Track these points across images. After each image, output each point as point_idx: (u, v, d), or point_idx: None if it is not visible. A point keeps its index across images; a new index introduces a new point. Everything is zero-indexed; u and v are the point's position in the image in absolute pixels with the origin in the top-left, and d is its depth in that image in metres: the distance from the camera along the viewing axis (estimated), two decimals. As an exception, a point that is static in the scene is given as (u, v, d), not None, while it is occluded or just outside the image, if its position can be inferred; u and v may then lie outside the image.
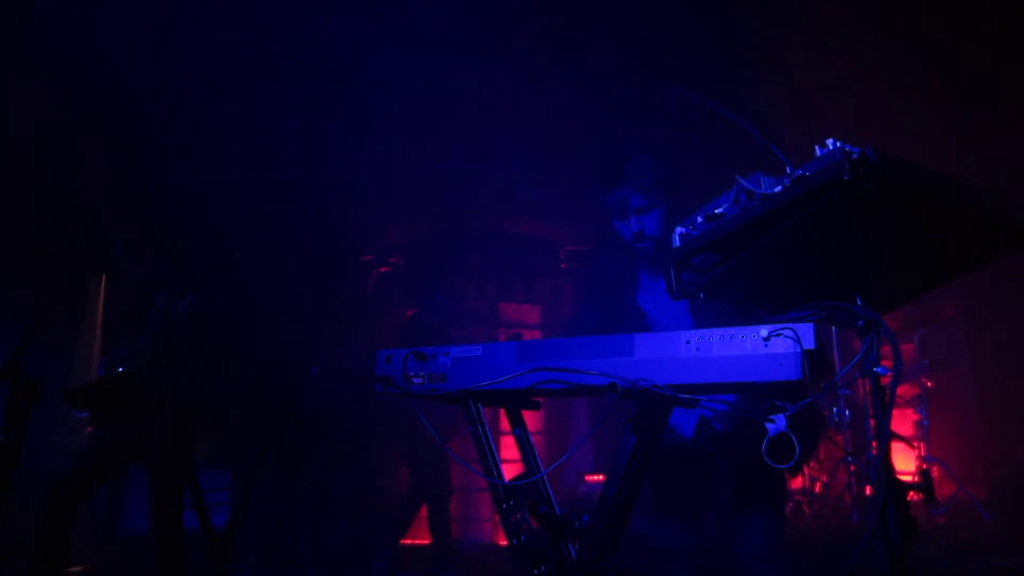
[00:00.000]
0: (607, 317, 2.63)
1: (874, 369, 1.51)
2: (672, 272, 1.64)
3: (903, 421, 6.13)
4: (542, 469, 1.94)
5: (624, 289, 2.58)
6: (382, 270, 7.52)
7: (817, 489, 5.64)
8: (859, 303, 1.56)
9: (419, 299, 5.44)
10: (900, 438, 5.85)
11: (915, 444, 5.80)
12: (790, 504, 5.54)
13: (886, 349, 1.55)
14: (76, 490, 3.23)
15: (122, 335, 3.67)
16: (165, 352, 3.50)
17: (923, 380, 5.90)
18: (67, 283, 4.63)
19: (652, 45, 4.42)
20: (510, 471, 1.96)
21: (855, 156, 1.32)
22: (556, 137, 5.53)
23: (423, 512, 5.11)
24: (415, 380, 1.90)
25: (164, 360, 3.47)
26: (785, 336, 1.51)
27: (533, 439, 2.07)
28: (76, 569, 4.44)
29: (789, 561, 2.47)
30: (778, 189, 1.45)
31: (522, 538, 1.86)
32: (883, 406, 1.52)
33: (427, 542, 5.36)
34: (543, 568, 1.85)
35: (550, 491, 1.92)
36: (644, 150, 2.55)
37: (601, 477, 5.79)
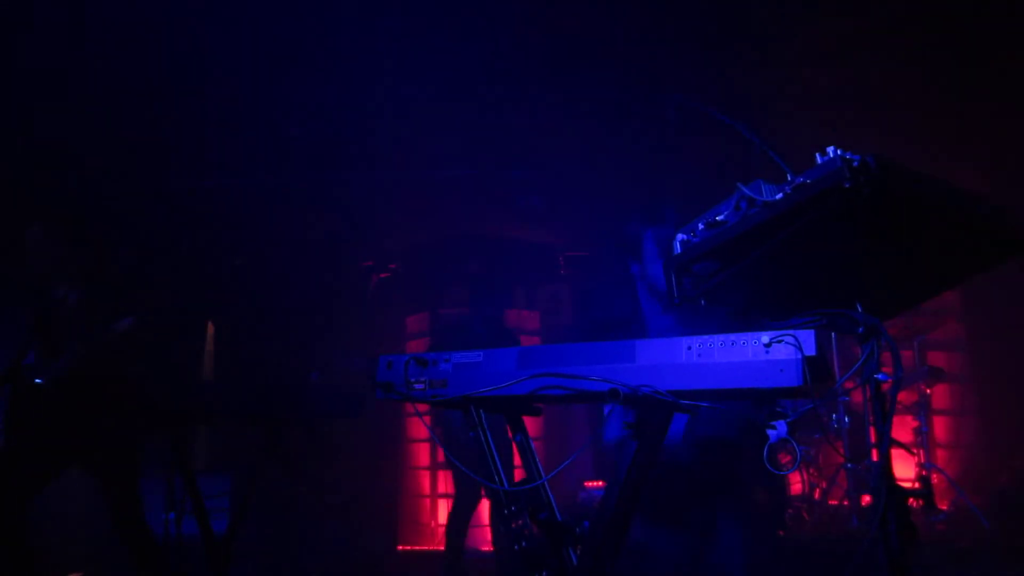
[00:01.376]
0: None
1: (875, 376, 1.52)
2: (673, 278, 1.65)
3: (902, 428, 6.11)
4: (543, 475, 1.94)
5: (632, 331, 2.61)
6: (382, 276, 7.52)
7: (817, 495, 5.63)
8: (860, 310, 1.56)
9: (475, 302, 5.33)
10: (900, 445, 5.84)
11: (915, 451, 5.79)
12: (789, 511, 5.53)
13: (886, 356, 1.56)
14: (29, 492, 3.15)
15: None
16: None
17: (922, 387, 5.90)
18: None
19: (653, 53, 4.43)
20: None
21: (856, 163, 1.33)
22: (556, 143, 5.55)
23: (419, 517, 5.12)
24: (416, 386, 1.91)
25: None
26: (786, 343, 1.52)
27: (533, 445, 2.07)
28: (74, 575, 4.43)
29: (782, 566, 2.48)
30: (779, 196, 1.46)
31: (523, 543, 1.86)
32: (884, 413, 1.53)
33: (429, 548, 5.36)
34: (544, 573, 1.85)
35: (551, 497, 1.92)
36: (678, 192, 2.57)
37: (601, 483, 5.78)
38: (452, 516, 5.17)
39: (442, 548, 5.29)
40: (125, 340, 3.33)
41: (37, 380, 3.21)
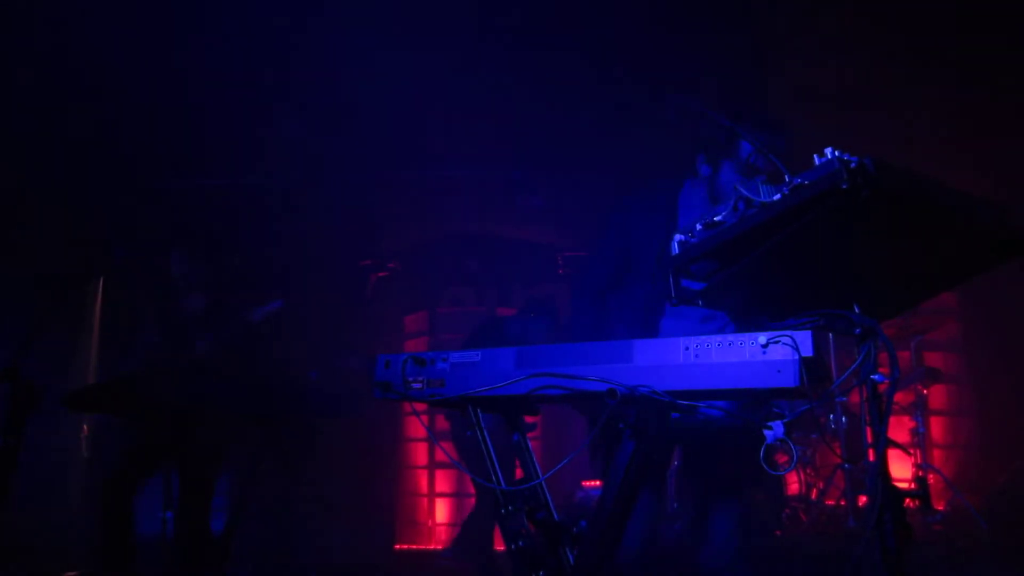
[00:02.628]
0: (615, 278, 2.56)
1: (871, 376, 1.52)
2: (671, 279, 1.65)
3: (899, 428, 6.13)
4: (540, 474, 1.94)
5: (662, 222, 2.46)
6: (380, 275, 7.52)
7: (813, 496, 5.63)
8: (857, 311, 1.57)
9: (524, 310, 5.32)
10: (897, 445, 5.86)
11: (911, 451, 5.80)
12: (786, 511, 5.54)
13: (883, 356, 1.56)
14: (130, 481, 3.41)
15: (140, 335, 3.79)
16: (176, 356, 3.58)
17: (919, 387, 5.91)
18: (65, 286, 4.64)
19: (652, 52, 4.43)
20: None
21: (853, 165, 1.33)
22: (556, 143, 5.55)
23: (417, 517, 5.13)
24: (414, 385, 1.91)
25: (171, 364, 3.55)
26: (783, 343, 1.52)
27: (531, 444, 2.07)
28: (71, 575, 4.42)
29: (779, 566, 2.49)
30: (777, 197, 1.46)
31: (520, 543, 1.86)
32: (880, 413, 1.53)
33: (427, 547, 5.36)
34: (541, 573, 1.85)
35: (548, 496, 1.92)
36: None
37: (598, 483, 5.78)
38: (471, 519, 5.17)
39: (439, 547, 5.30)
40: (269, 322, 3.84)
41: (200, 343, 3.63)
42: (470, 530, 5.22)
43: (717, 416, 2.43)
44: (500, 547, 5.27)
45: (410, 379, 1.91)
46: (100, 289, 5.87)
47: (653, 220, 2.49)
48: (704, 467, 2.53)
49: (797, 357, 1.50)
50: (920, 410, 5.86)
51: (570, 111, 5.04)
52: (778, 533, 5.13)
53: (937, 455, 6.80)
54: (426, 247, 7.57)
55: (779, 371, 1.52)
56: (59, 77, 4.42)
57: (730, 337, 1.58)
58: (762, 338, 1.54)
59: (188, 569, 3.37)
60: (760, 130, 2.27)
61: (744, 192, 1.52)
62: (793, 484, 5.78)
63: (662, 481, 2.62)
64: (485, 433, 1.95)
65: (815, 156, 1.40)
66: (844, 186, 1.32)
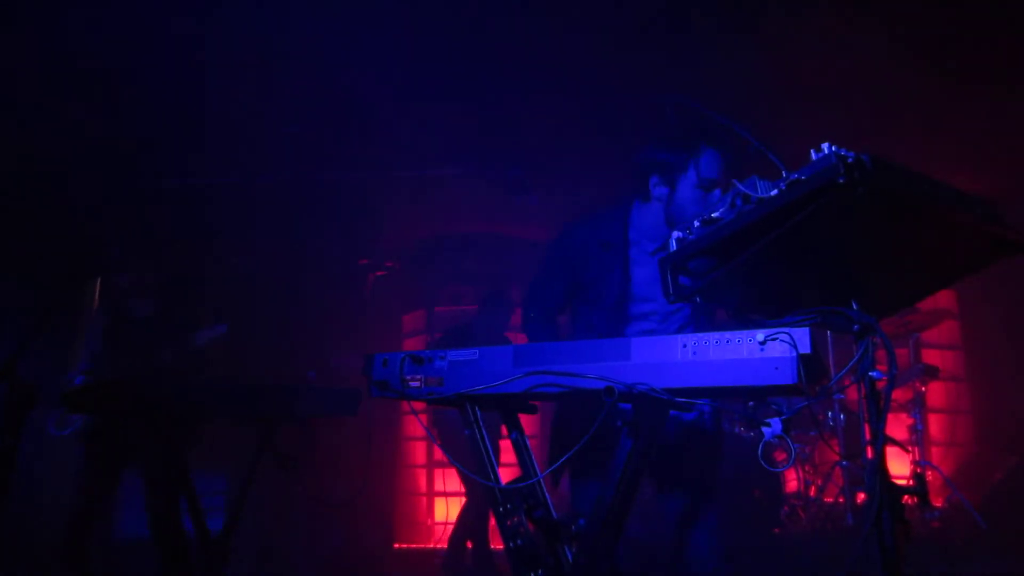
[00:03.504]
0: (565, 300, 2.59)
1: (869, 373, 1.52)
2: (669, 276, 1.65)
3: (897, 425, 6.14)
4: (539, 473, 1.94)
5: (614, 272, 2.49)
6: (378, 274, 7.51)
7: (812, 493, 5.64)
8: (855, 307, 1.57)
9: (483, 307, 5.50)
10: (895, 442, 5.86)
11: (909, 448, 5.81)
12: (785, 508, 5.54)
13: (881, 353, 1.56)
14: (91, 518, 3.65)
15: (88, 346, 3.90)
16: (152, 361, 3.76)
17: (917, 385, 5.92)
18: (63, 287, 4.64)
19: (648, 50, 4.43)
20: (506, 475, 1.96)
21: (850, 160, 1.33)
22: (552, 141, 5.54)
23: (415, 516, 5.13)
24: (412, 384, 1.91)
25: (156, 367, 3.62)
26: (781, 340, 1.52)
27: (529, 443, 2.07)
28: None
29: (778, 564, 2.46)
30: (774, 193, 1.46)
31: (519, 541, 1.86)
32: (878, 410, 1.53)
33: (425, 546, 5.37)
34: (539, 571, 1.85)
35: (547, 495, 1.92)
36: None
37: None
38: (461, 515, 5.18)
39: (438, 546, 5.31)
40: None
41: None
42: (459, 539, 5.22)
43: (687, 417, 2.43)
44: (494, 545, 5.29)
45: (408, 378, 1.91)
46: (97, 289, 5.85)
47: (601, 247, 2.51)
48: (671, 466, 2.45)
49: (795, 354, 1.50)
50: (918, 407, 5.87)
51: (567, 110, 5.04)
52: (776, 531, 5.14)
53: (935, 452, 6.82)
54: (424, 246, 7.57)
55: (777, 368, 1.52)
56: (53, 74, 4.41)
57: (728, 334, 1.58)
58: (760, 335, 1.54)
59: (177, 571, 3.53)
60: (715, 143, 2.34)
61: (741, 188, 1.52)
62: (792, 481, 5.79)
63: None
64: (484, 431, 1.95)
65: (812, 151, 1.40)
66: (841, 181, 1.32)
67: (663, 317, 2.53)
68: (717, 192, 2.36)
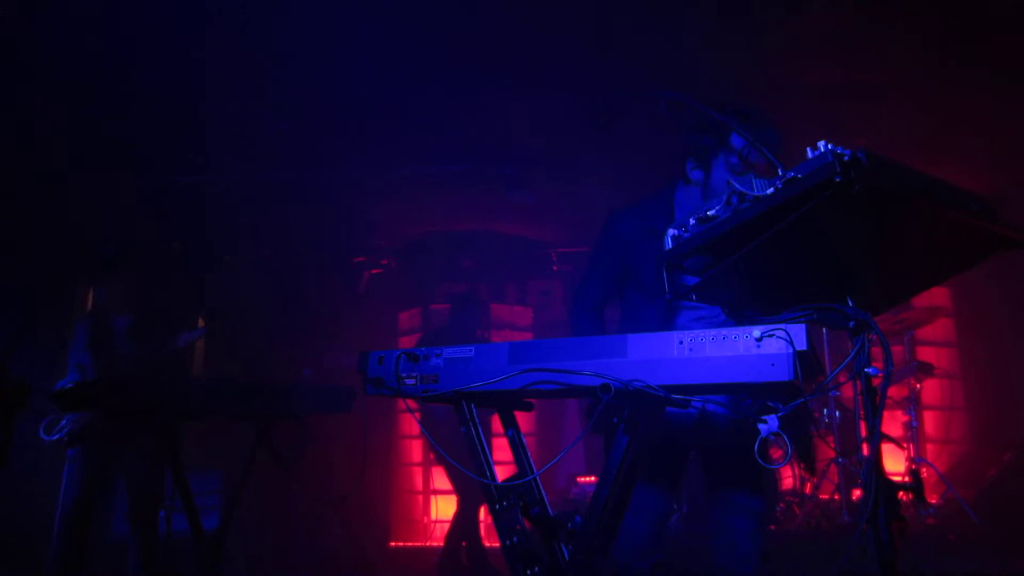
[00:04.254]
0: (614, 290, 2.58)
1: (865, 370, 1.52)
2: (665, 274, 1.65)
3: (892, 422, 6.16)
4: (535, 470, 1.94)
5: (660, 232, 2.49)
6: (374, 272, 7.51)
7: (807, 490, 5.66)
8: (850, 304, 1.57)
9: (454, 309, 5.66)
10: (890, 439, 5.87)
11: (904, 445, 5.83)
12: (780, 505, 5.56)
13: (875, 350, 1.56)
14: (85, 522, 3.77)
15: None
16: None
17: (912, 382, 5.94)
18: (55, 286, 4.63)
19: (646, 49, 4.43)
20: (503, 472, 1.96)
21: (847, 158, 1.33)
22: (548, 140, 5.54)
23: (412, 514, 5.13)
24: (407, 381, 1.90)
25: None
26: (777, 337, 1.52)
27: (525, 440, 2.07)
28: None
29: (773, 560, 2.45)
30: (770, 191, 1.46)
31: (515, 539, 1.86)
32: (874, 407, 1.53)
33: (422, 544, 5.36)
34: (536, 569, 1.85)
35: (543, 492, 1.92)
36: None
37: (593, 479, 5.79)
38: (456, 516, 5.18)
39: (435, 544, 5.32)
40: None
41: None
42: (455, 538, 5.23)
43: (722, 412, 2.43)
44: (488, 543, 5.29)
45: (403, 375, 1.91)
46: (90, 296, 5.84)
47: (652, 242, 2.45)
48: (719, 464, 2.48)
49: (791, 351, 1.50)
50: (913, 404, 5.89)
51: (563, 107, 5.03)
52: (772, 527, 5.15)
53: (930, 449, 6.84)
54: (420, 244, 7.56)
55: (773, 365, 1.51)
56: (49, 70, 4.39)
57: (724, 331, 1.57)
58: (756, 332, 1.54)
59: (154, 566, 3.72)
60: (748, 123, 2.27)
61: (737, 186, 1.52)
62: (787, 478, 5.80)
63: (677, 480, 2.57)
64: (479, 429, 1.94)
65: (808, 149, 1.40)
66: (838, 179, 1.31)
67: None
68: (751, 176, 2.34)
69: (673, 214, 2.52)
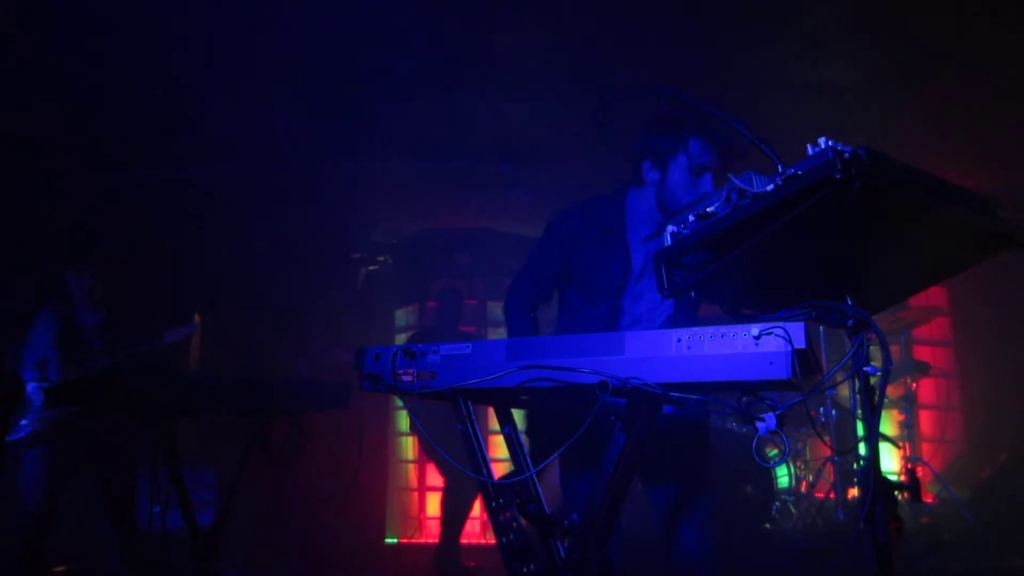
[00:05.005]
0: (551, 289, 2.60)
1: (864, 369, 1.52)
2: (663, 270, 1.64)
3: (889, 421, 6.17)
4: (531, 468, 1.93)
5: (615, 234, 2.49)
6: (371, 268, 7.49)
7: (803, 488, 5.66)
8: (849, 303, 1.56)
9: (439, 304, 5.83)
10: (886, 438, 5.89)
11: (900, 444, 5.84)
12: (776, 504, 5.56)
13: (874, 349, 1.56)
14: (50, 521, 3.78)
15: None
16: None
17: (908, 381, 5.94)
18: (50, 283, 4.60)
19: (643, 46, 4.42)
20: (498, 469, 1.95)
21: (847, 155, 1.32)
22: (547, 135, 5.53)
23: (407, 511, 5.13)
24: (404, 378, 1.89)
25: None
26: (776, 335, 1.51)
27: (521, 438, 2.06)
28: (60, 569, 4.39)
29: (769, 559, 2.42)
30: (770, 188, 1.45)
31: (511, 536, 1.85)
32: (872, 406, 1.53)
33: (418, 541, 5.36)
34: (532, 567, 1.84)
35: (539, 490, 1.91)
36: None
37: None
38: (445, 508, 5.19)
39: (430, 541, 5.32)
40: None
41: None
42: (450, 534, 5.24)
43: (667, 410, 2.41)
44: (485, 540, 5.28)
45: (400, 372, 1.90)
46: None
47: (594, 235, 2.50)
48: (662, 459, 2.37)
49: (790, 349, 1.50)
50: (909, 403, 5.90)
51: (560, 104, 5.02)
52: (767, 526, 5.15)
53: (926, 448, 6.85)
54: (417, 240, 7.54)
55: (771, 363, 1.51)
56: (45, 65, 4.37)
57: (723, 329, 1.57)
58: (755, 330, 1.53)
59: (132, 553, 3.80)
60: (703, 126, 2.34)
61: (737, 182, 1.51)
62: (782, 477, 5.80)
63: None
64: (476, 426, 1.94)
65: (808, 146, 1.39)
66: (838, 176, 1.31)
67: (652, 306, 2.52)
68: (708, 178, 2.36)
69: (624, 216, 2.53)
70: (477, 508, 5.34)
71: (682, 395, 1.62)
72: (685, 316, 2.50)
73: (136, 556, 3.85)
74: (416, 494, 7.33)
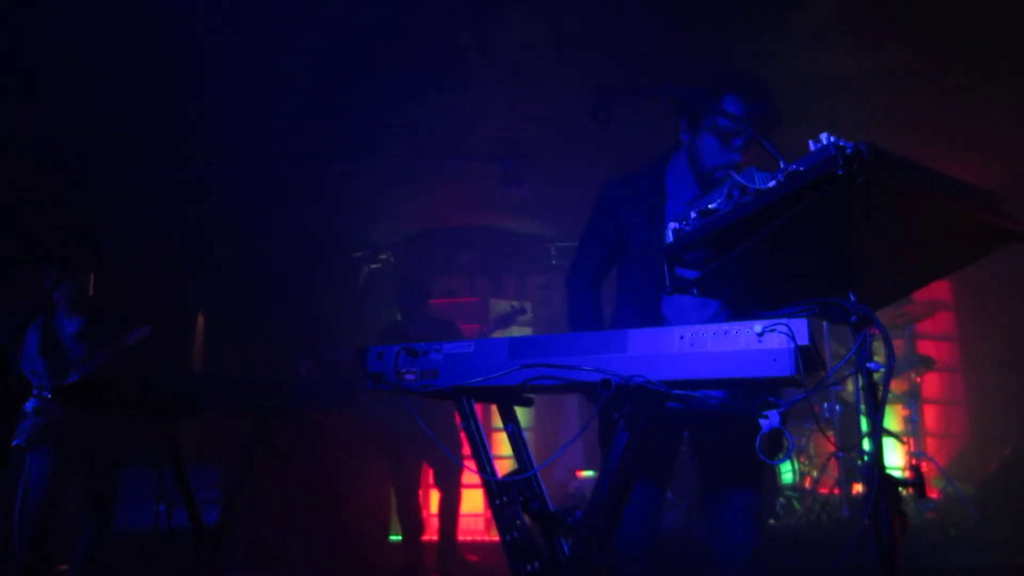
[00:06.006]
0: (607, 263, 2.57)
1: (867, 365, 1.51)
2: (666, 268, 1.64)
3: (893, 416, 6.16)
4: (535, 465, 1.93)
5: (654, 227, 2.43)
6: (372, 266, 7.50)
7: (807, 484, 5.66)
8: (852, 299, 1.56)
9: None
10: (891, 434, 5.88)
11: (905, 440, 5.83)
12: (780, 500, 5.56)
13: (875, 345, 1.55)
14: (53, 516, 3.89)
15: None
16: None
17: (913, 376, 5.93)
18: (57, 279, 4.61)
19: (644, 40, 4.41)
20: (502, 467, 1.95)
21: (849, 151, 1.32)
22: (547, 133, 5.52)
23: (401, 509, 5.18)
24: (407, 376, 1.89)
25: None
26: (779, 332, 1.51)
27: (524, 435, 2.06)
28: (63, 568, 4.41)
29: (773, 555, 2.42)
30: (772, 184, 1.45)
31: (515, 534, 1.85)
32: (876, 402, 1.52)
33: (422, 539, 5.37)
34: (536, 564, 1.84)
35: (543, 487, 1.91)
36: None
37: (592, 473, 5.79)
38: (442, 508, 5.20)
39: (434, 538, 5.32)
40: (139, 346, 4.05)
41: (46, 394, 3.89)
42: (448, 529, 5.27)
43: (714, 404, 2.41)
44: (489, 537, 5.29)
45: (403, 370, 1.90)
46: (91, 284, 5.82)
47: (639, 202, 2.46)
48: (715, 455, 2.44)
49: (793, 346, 1.49)
50: (914, 398, 5.89)
51: (561, 102, 5.01)
52: (772, 523, 5.15)
53: (930, 443, 6.84)
54: (418, 239, 7.55)
55: (775, 360, 1.50)
56: (46, 63, 4.37)
57: (725, 326, 1.56)
58: (758, 327, 1.53)
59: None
60: (740, 92, 2.27)
61: (739, 179, 1.50)
62: (786, 473, 5.80)
63: (669, 473, 2.55)
64: (479, 424, 1.94)
65: (810, 142, 1.39)
66: (840, 172, 1.30)
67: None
68: (738, 142, 2.30)
69: (664, 182, 2.50)
70: (481, 505, 5.34)
71: (685, 392, 1.62)
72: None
73: (101, 553, 3.99)
74: (419, 491, 7.33)
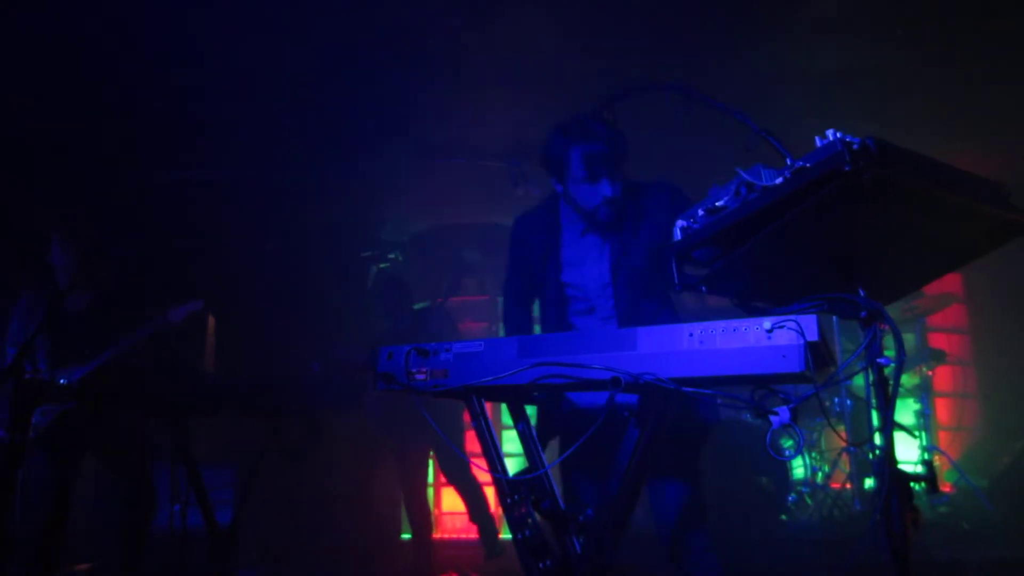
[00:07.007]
0: (529, 287, 2.70)
1: (877, 360, 1.51)
2: (674, 265, 1.64)
3: (904, 411, 6.13)
4: (545, 464, 1.94)
5: (548, 260, 2.59)
6: (381, 266, 7.51)
7: (819, 479, 5.64)
8: (862, 294, 1.55)
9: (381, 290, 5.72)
10: (902, 428, 5.84)
11: (916, 433, 5.80)
12: (792, 495, 5.54)
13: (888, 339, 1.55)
14: (63, 519, 3.62)
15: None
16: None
17: (924, 369, 5.90)
18: (60, 241, 4.56)
19: (650, 38, 4.40)
20: (512, 465, 1.96)
21: (856, 147, 1.32)
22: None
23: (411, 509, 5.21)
24: (417, 376, 1.90)
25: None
26: (788, 328, 1.51)
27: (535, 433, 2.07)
28: (83, 567, 4.44)
29: (786, 550, 2.39)
30: (779, 181, 1.45)
31: (527, 532, 1.86)
32: (887, 396, 1.52)
33: (433, 536, 5.39)
34: (547, 562, 1.85)
35: (554, 485, 1.92)
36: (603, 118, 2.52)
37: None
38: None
39: (447, 536, 5.34)
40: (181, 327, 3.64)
41: (62, 380, 3.44)
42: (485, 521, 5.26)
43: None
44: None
45: (413, 370, 1.91)
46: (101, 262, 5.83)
47: (538, 238, 2.63)
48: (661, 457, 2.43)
49: (803, 342, 1.49)
50: (925, 392, 5.86)
51: (565, 100, 5.01)
52: (784, 517, 5.14)
53: (943, 437, 6.80)
54: (426, 237, 7.55)
55: (784, 356, 1.50)
56: (48, 62, 4.39)
57: (735, 323, 1.56)
58: (767, 323, 1.53)
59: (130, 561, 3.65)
60: (570, 135, 2.47)
61: (746, 176, 1.50)
62: (798, 468, 5.78)
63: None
64: (489, 423, 1.95)
65: (816, 138, 1.39)
66: (847, 168, 1.30)
67: (592, 296, 2.54)
68: (604, 182, 2.41)
69: (559, 215, 2.64)
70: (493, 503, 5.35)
71: (695, 390, 1.62)
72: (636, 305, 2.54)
73: (138, 553, 3.73)
74: (431, 489, 7.36)
